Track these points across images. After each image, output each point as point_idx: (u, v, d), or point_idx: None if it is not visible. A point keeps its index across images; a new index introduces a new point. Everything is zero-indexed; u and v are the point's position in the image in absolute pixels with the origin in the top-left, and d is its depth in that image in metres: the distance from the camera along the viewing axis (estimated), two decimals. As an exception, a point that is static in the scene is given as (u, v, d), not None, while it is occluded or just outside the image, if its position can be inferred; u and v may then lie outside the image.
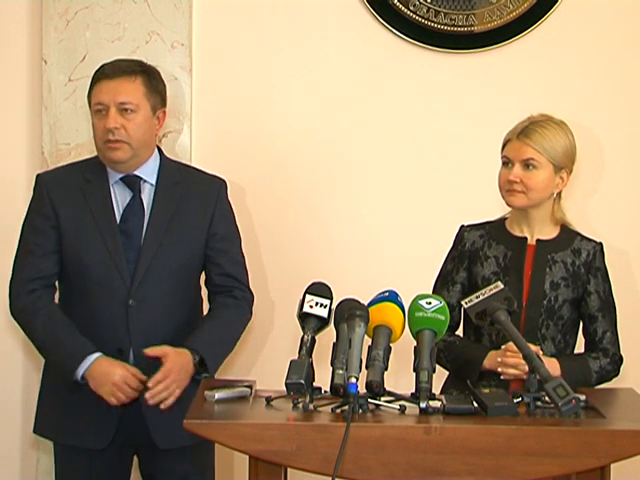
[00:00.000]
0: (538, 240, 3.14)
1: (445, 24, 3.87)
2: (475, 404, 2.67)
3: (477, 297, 2.83)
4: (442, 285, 3.21)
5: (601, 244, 3.18)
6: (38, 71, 3.83)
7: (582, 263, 3.14)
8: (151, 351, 3.07)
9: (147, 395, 3.05)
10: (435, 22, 3.86)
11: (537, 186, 3.07)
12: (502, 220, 3.21)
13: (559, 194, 3.15)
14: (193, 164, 3.68)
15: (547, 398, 2.66)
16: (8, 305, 3.20)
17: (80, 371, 3.07)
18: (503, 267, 3.13)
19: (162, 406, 3.06)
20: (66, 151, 3.79)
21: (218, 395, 2.75)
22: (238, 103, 3.90)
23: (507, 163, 3.10)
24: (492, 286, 2.85)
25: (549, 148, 3.06)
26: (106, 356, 3.09)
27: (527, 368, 2.90)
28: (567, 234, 3.17)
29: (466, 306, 2.84)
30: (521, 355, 2.92)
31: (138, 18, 3.80)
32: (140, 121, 3.14)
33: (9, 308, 3.21)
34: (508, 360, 3.00)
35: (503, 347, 3.03)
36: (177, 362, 3.08)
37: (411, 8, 3.87)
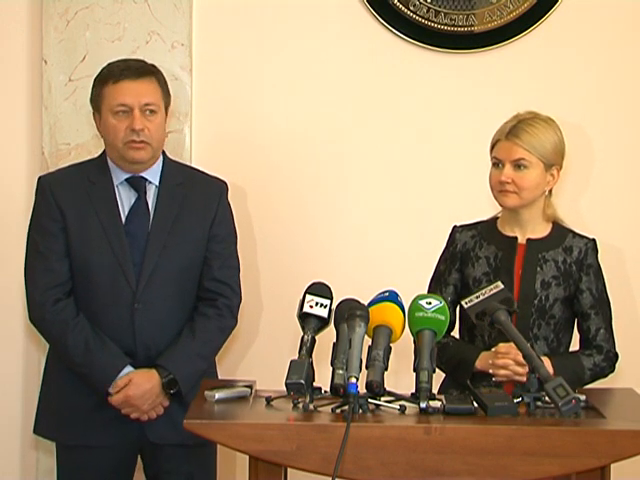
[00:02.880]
0: (529, 239, 3.13)
1: (445, 24, 3.86)
2: (475, 404, 2.67)
3: (477, 297, 2.83)
4: (435, 286, 3.20)
5: (594, 240, 3.17)
6: (38, 71, 3.82)
7: (574, 261, 3.12)
8: (115, 387, 3.08)
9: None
10: (435, 22, 3.86)
11: (529, 185, 3.06)
12: (494, 220, 3.21)
13: (550, 191, 3.14)
14: (193, 164, 3.67)
15: (547, 398, 2.66)
16: (27, 310, 3.19)
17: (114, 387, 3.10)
18: (494, 267, 3.12)
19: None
20: (66, 151, 3.79)
21: (218, 395, 2.76)
22: (238, 103, 3.90)
23: (497, 164, 3.09)
24: (492, 286, 2.85)
25: (539, 146, 3.05)
26: (136, 370, 3.11)
27: (518, 369, 2.93)
28: (559, 232, 3.16)
29: (466, 306, 2.84)
30: (511, 356, 2.94)
31: (138, 18, 3.79)
32: (160, 122, 3.17)
33: (29, 314, 3.19)
34: (498, 362, 2.99)
35: (494, 349, 3.02)
36: (140, 387, 3.07)
37: (411, 8, 3.86)
